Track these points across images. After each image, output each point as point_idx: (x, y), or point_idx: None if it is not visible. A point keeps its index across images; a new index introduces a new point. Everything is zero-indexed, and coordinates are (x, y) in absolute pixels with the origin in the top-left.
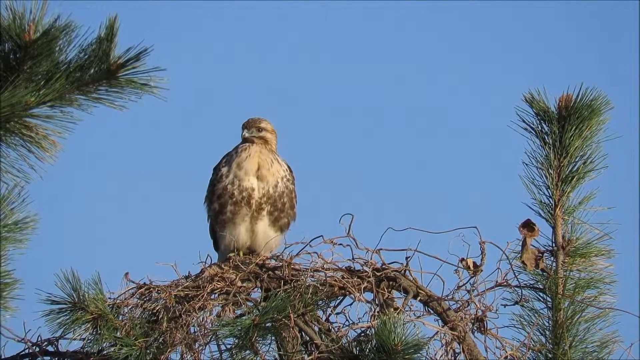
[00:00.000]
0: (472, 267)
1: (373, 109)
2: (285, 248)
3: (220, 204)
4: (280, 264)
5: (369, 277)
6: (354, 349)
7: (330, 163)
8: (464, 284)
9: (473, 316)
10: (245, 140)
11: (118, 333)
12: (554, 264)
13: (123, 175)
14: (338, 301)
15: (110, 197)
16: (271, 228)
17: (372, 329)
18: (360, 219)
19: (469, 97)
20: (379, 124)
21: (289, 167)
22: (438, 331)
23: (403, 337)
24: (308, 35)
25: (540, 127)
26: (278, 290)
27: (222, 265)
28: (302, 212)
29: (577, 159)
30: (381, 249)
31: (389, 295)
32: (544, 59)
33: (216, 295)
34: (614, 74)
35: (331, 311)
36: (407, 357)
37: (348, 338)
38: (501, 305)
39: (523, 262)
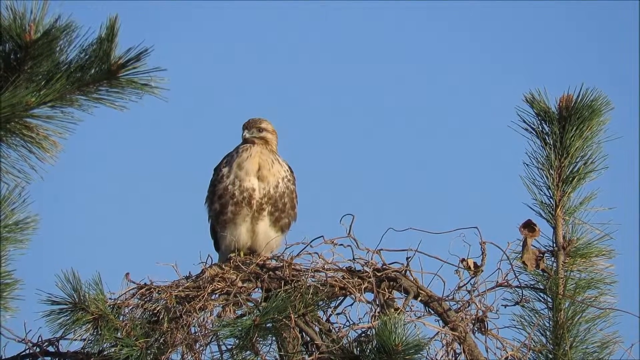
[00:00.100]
0: (472, 268)
1: (373, 109)
2: (286, 248)
3: (221, 205)
4: (281, 264)
5: (370, 277)
6: (355, 350)
7: (330, 163)
8: (464, 285)
9: (474, 316)
10: (245, 140)
11: (119, 333)
12: (555, 265)
13: (124, 175)
14: (339, 301)
15: (111, 198)
16: (272, 228)
17: (373, 330)
18: (360, 220)
19: (469, 97)
20: (379, 124)
21: (289, 167)
22: (439, 331)
23: (404, 338)
24: (308, 35)
25: (540, 128)
26: (279, 290)
27: (223, 266)
28: (303, 212)
29: (577, 160)
30: (382, 250)
31: (389, 296)
32: (544, 59)
33: (217, 295)
34: (614, 74)
35: (332, 311)
36: (407, 357)
37: (349, 338)
38: (502, 305)
39: (524, 262)
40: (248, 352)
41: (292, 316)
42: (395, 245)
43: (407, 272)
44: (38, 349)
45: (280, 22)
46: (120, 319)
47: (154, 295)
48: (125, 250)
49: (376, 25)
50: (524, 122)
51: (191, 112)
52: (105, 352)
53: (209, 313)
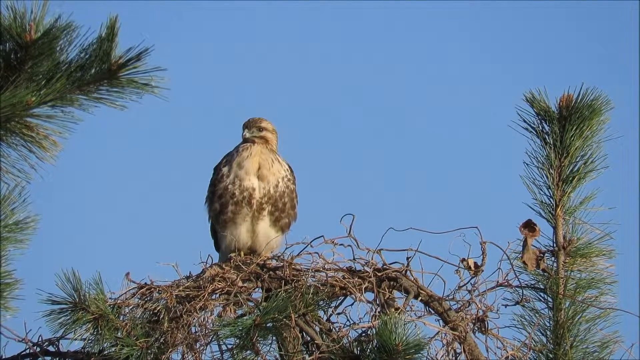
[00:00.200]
0: (473, 267)
1: (373, 109)
2: (286, 248)
3: (222, 204)
4: (281, 264)
5: (370, 277)
6: (355, 349)
7: (330, 163)
8: (464, 284)
9: (474, 316)
10: (246, 140)
11: (119, 333)
12: (555, 264)
13: (124, 175)
14: (339, 301)
15: (111, 197)
16: (272, 228)
17: (373, 329)
18: (361, 220)
19: (469, 97)
20: (379, 124)
21: (289, 167)
22: (439, 331)
23: (404, 337)
24: (308, 35)
25: (541, 127)
26: (279, 290)
27: (223, 266)
28: (303, 212)
29: (577, 159)
30: (382, 249)
31: (390, 296)
32: (544, 59)
33: (217, 295)
34: (614, 74)
35: (332, 311)
36: (408, 357)
37: (349, 338)
38: (502, 305)
39: (524, 262)
40: (248, 352)
41: (293, 316)
42: (396, 245)
43: (408, 271)
44: (38, 349)
45: (280, 22)
46: (121, 318)
47: (154, 295)
48: (126, 250)
49: (376, 26)
50: (524, 121)
51: (191, 112)
52: (106, 352)
53: (210, 313)
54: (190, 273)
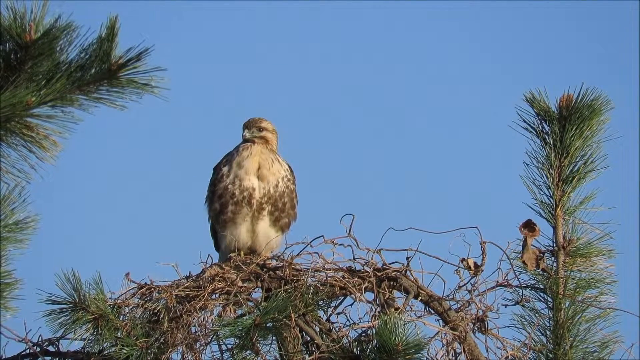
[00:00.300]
0: (472, 267)
1: (373, 109)
2: (286, 248)
3: (221, 204)
4: (281, 264)
5: (370, 277)
6: (355, 349)
7: (330, 163)
8: (464, 284)
9: (474, 316)
10: (246, 140)
11: (119, 333)
12: (555, 264)
13: (124, 174)
14: (339, 301)
15: (111, 197)
16: (272, 228)
17: (373, 329)
18: (360, 219)
19: (469, 97)
20: (379, 124)
21: (289, 167)
22: (439, 331)
23: (404, 337)
24: (308, 35)
25: (540, 127)
26: (279, 290)
27: (223, 265)
28: (303, 212)
29: (577, 159)
30: (382, 249)
31: (389, 296)
32: (544, 59)
33: (217, 295)
34: (614, 74)
35: (332, 311)
36: (408, 357)
37: (349, 338)
38: (502, 305)
39: (524, 262)
40: (248, 352)
41: (293, 316)
42: (396, 245)
43: (408, 271)
44: (38, 349)
45: (280, 22)
46: (121, 318)
47: (154, 295)
48: (126, 250)
49: (377, 26)
50: (524, 121)
51: (191, 112)
52: (106, 352)
53: (210, 313)
54: (190, 273)
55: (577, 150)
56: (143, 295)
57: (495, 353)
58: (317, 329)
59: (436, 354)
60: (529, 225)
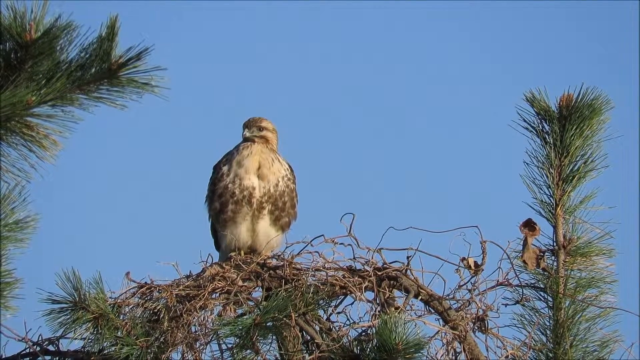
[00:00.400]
0: (473, 267)
1: (373, 109)
2: (287, 247)
3: (222, 203)
4: (282, 263)
5: (370, 276)
6: (355, 348)
7: (330, 163)
8: (465, 284)
9: (474, 315)
10: (246, 139)
11: (119, 332)
12: (555, 263)
13: (124, 174)
14: (339, 300)
15: (111, 197)
16: (272, 227)
17: (373, 328)
18: (361, 219)
19: (469, 97)
20: (379, 124)
21: (289, 166)
22: (439, 330)
23: (404, 337)
24: (308, 35)
25: (541, 127)
26: (279, 289)
27: (223, 265)
28: (303, 211)
29: (577, 158)
30: (382, 249)
31: (390, 295)
32: (544, 59)
33: (217, 294)
34: (614, 73)
35: (332, 310)
36: (408, 356)
37: (349, 337)
38: (502, 304)
39: (524, 261)
40: (248, 351)
41: (293, 315)
42: (396, 244)
43: (408, 271)
44: (38, 348)
45: (280, 22)
46: (121, 318)
47: (154, 294)
48: (126, 250)
49: (377, 25)
50: (524, 121)
51: (191, 112)
52: (106, 351)
53: (210, 312)
54: (190, 272)
55: (577, 150)
56: (143, 295)
57: (495, 352)
58: (317, 328)
59: (436, 353)
60: (529, 225)
